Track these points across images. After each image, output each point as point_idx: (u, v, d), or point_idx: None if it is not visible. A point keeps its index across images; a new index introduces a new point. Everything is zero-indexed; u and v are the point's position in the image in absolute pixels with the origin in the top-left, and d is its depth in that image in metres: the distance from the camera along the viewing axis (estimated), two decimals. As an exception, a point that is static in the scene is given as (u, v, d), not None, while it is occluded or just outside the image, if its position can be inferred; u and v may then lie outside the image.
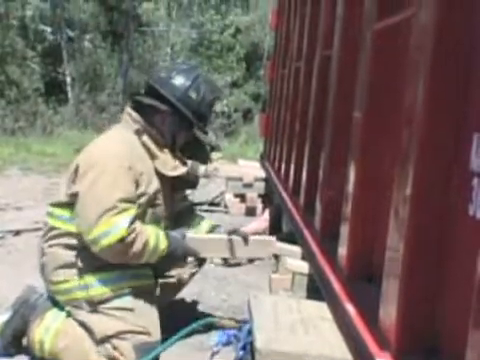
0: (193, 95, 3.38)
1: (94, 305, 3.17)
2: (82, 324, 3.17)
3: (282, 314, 2.53)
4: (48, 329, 3.17)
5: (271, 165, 6.75)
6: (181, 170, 3.41)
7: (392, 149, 2.13)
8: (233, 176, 8.34)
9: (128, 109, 3.41)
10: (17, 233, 5.98)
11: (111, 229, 3.03)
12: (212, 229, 3.66)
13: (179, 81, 3.39)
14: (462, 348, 1.27)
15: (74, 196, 3.15)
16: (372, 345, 1.81)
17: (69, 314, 3.21)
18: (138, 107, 3.39)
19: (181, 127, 3.42)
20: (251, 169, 8.48)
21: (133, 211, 3.08)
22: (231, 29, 22.65)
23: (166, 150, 3.37)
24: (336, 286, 2.41)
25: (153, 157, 3.31)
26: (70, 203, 3.18)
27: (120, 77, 20.68)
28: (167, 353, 2.99)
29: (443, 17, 1.63)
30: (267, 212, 6.71)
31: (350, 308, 2.14)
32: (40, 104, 18.56)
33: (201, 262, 3.63)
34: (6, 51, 19.15)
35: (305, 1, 4.69)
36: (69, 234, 3.18)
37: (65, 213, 3.21)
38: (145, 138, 3.33)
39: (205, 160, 3.82)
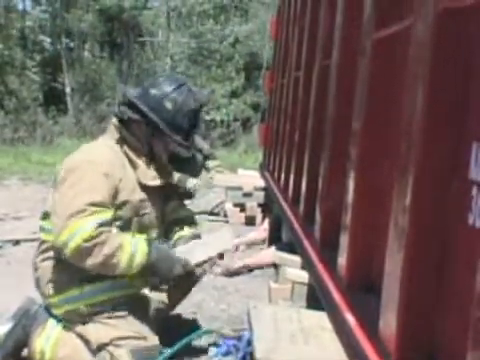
0: (168, 105, 3.36)
1: (88, 315, 3.17)
2: (79, 335, 3.17)
3: (282, 324, 2.52)
4: (49, 338, 3.18)
5: (271, 175, 6.75)
6: (158, 181, 3.38)
7: (391, 158, 2.13)
8: (233, 186, 8.34)
9: (113, 119, 3.42)
10: (16, 243, 5.99)
11: (77, 231, 3.00)
12: (193, 237, 3.62)
13: (156, 91, 3.37)
14: (462, 358, 1.27)
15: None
16: (372, 355, 1.80)
17: (66, 325, 3.21)
18: (121, 117, 3.40)
19: (155, 137, 3.40)
20: (251, 178, 8.49)
21: (105, 214, 3.05)
22: (230, 39, 22.69)
23: (145, 160, 3.36)
24: (336, 296, 2.41)
25: (134, 166, 3.30)
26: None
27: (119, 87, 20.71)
28: (166, 364, 2.99)
29: (441, 27, 1.63)
30: (267, 221, 6.71)
31: (350, 318, 2.13)
32: (39, 114, 18.60)
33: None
34: (5, 61, 19.20)
35: (304, 11, 4.70)
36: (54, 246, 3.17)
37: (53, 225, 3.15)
38: (126, 147, 3.34)
39: (194, 172, 3.83)
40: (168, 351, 3.10)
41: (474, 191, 1.48)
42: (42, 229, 3.28)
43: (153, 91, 3.37)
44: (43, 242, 3.25)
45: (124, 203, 3.17)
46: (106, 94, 20.11)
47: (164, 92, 3.36)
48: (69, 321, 3.19)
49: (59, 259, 3.17)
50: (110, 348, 3.09)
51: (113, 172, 3.16)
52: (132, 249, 3.07)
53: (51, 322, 3.23)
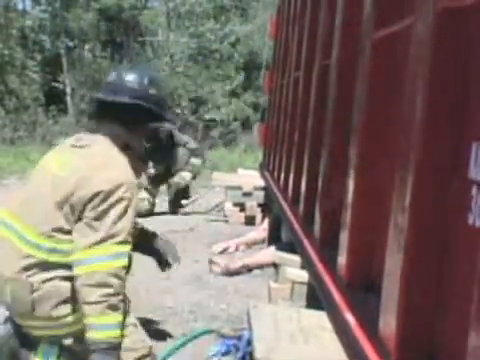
0: (153, 91, 3.32)
1: None
2: (85, 351, 3.09)
3: (282, 324, 2.53)
4: None
5: (270, 174, 6.75)
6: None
7: (391, 158, 2.13)
8: (232, 185, 8.35)
9: (106, 126, 3.25)
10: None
11: (111, 255, 2.96)
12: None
13: (133, 83, 3.29)
14: (462, 358, 1.27)
15: (81, 220, 2.99)
16: (372, 355, 1.80)
17: (61, 350, 3.13)
18: (102, 122, 3.28)
19: (151, 128, 3.38)
20: (250, 178, 8.50)
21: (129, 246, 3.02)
22: (230, 38, 22.69)
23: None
24: (336, 295, 2.41)
25: (137, 172, 3.24)
26: (71, 231, 3.01)
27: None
28: (166, 363, 2.99)
29: (441, 26, 1.63)
30: (266, 221, 6.72)
31: (350, 317, 2.13)
32: (40, 114, 18.60)
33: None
34: (5, 61, 19.20)
35: (304, 11, 4.70)
36: (67, 265, 2.98)
37: (63, 245, 3.00)
38: (130, 153, 3.27)
39: (174, 163, 3.74)
40: (167, 351, 3.10)
41: (474, 191, 1.48)
42: (38, 248, 3.01)
43: (129, 84, 3.28)
44: (43, 262, 3.00)
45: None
46: (106, 94, 20.07)
47: (142, 81, 3.29)
48: (76, 338, 3.11)
49: (67, 278, 2.97)
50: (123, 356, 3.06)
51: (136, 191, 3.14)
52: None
53: (42, 350, 3.16)
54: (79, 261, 2.92)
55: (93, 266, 2.91)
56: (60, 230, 3.01)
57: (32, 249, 3.02)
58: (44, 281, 3.01)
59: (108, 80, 3.44)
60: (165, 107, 3.40)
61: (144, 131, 3.34)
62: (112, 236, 2.95)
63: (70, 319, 3.06)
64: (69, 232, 3.01)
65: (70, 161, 3.15)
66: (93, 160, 3.11)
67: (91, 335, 2.88)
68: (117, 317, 2.94)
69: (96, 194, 2.96)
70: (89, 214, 2.96)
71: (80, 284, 2.91)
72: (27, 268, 3.00)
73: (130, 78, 3.31)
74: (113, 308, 2.90)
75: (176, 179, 8.67)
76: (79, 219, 2.99)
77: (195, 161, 8.76)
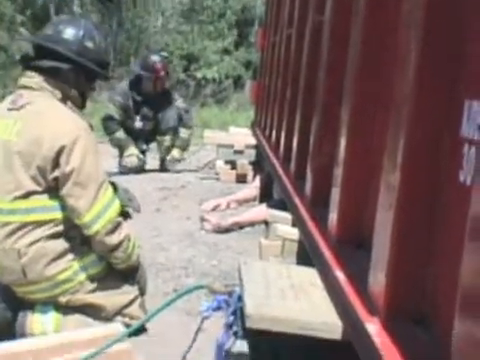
0: (89, 44, 3.28)
1: (95, 283, 3.16)
2: (85, 306, 3.15)
3: (272, 280, 2.54)
4: (44, 323, 3.14)
5: (262, 132, 6.73)
6: None
7: (383, 116, 2.13)
8: (224, 143, 8.34)
9: (40, 77, 3.21)
10: None
11: (109, 203, 3.05)
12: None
13: (70, 34, 3.24)
14: (451, 316, 1.28)
15: (58, 179, 3.02)
16: (361, 311, 1.82)
17: (58, 308, 3.17)
18: (48, 71, 3.22)
19: (87, 81, 3.34)
20: (242, 136, 8.48)
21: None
22: (222, -7, 22.41)
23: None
24: (326, 252, 2.42)
25: None
26: (46, 190, 3.05)
27: (110, 43, 20.49)
28: (157, 319, 3.01)
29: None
30: (258, 179, 6.73)
31: (340, 274, 2.14)
32: (29, 69, 18.41)
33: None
34: (-5, 16, 18.95)
35: (297, -34, 4.63)
36: (50, 222, 3.05)
37: (41, 203, 3.05)
38: (70, 104, 3.24)
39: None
40: (158, 307, 3.12)
41: (465, 149, 1.48)
42: (14, 212, 3.03)
43: (66, 35, 3.24)
44: (24, 225, 3.03)
45: None
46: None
47: (79, 32, 3.25)
48: (72, 295, 3.14)
49: (55, 235, 3.07)
50: (126, 311, 3.14)
51: None
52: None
53: (39, 309, 3.18)
54: (91, 222, 3.02)
55: (104, 219, 3.08)
56: (30, 193, 3.03)
57: (7, 217, 3.04)
58: (30, 244, 3.04)
59: (45, 31, 3.38)
60: (102, 62, 3.36)
61: (79, 84, 3.30)
62: (101, 184, 3.03)
63: (63, 277, 3.10)
64: (40, 192, 3.03)
65: (16, 124, 3.12)
66: (41, 117, 3.10)
67: (124, 267, 3.26)
68: (135, 243, 3.29)
69: (61, 149, 2.99)
70: (65, 169, 2.99)
71: (99, 239, 3.03)
72: (9, 235, 3.04)
73: (67, 30, 3.26)
74: (130, 239, 3.23)
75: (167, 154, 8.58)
76: (55, 179, 3.01)
77: (183, 133, 8.62)
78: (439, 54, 1.62)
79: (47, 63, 3.20)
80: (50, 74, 3.20)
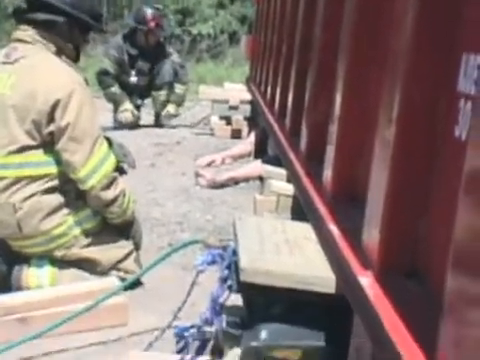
0: None
1: (90, 237, 3.18)
2: (79, 261, 3.17)
3: (267, 235, 2.55)
4: (40, 277, 3.16)
5: (257, 88, 6.70)
6: None
7: (379, 71, 2.11)
8: (219, 99, 8.30)
9: (33, 30, 3.16)
10: None
11: (105, 158, 3.05)
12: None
13: None
14: (443, 270, 1.29)
15: (53, 133, 3.01)
16: (355, 265, 1.83)
17: (53, 262, 3.19)
18: (42, 24, 3.17)
19: (81, 34, 3.32)
20: (237, 92, 8.43)
21: None
22: None
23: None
24: (320, 207, 2.43)
25: None
26: (41, 145, 3.04)
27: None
28: (152, 273, 3.03)
29: None
30: (253, 135, 6.72)
31: (334, 229, 2.16)
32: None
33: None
34: (-15, -33, 18.62)
35: None
36: (45, 176, 3.06)
37: (36, 158, 3.04)
38: (64, 58, 3.22)
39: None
40: (153, 261, 3.14)
41: (461, 103, 1.47)
42: (8, 167, 3.03)
43: None
44: (18, 180, 3.03)
45: None
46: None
47: None
48: (67, 250, 3.16)
49: (50, 189, 3.07)
50: (121, 265, 3.18)
51: None
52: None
53: (34, 263, 3.20)
54: (86, 177, 3.03)
55: (100, 174, 3.08)
56: (25, 148, 3.02)
57: (1, 171, 3.04)
58: (25, 199, 3.05)
59: None
60: (96, 14, 3.33)
61: (73, 37, 3.27)
62: (96, 139, 3.03)
63: (57, 232, 3.12)
64: (35, 147, 3.03)
65: (10, 78, 3.10)
66: (35, 71, 3.08)
67: (119, 222, 3.29)
68: (130, 198, 3.30)
69: (56, 103, 2.98)
70: (60, 124, 2.99)
71: (95, 194, 3.05)
72: (3, 190, 3.04)
73: None
74: (125, 195, 3.24)
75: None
76: (50, 134, 3.01)
77: (178, 89, 8.56)
78: (436, 8, 1.61)
79: (41, 16, 3.15)
80: (44, 27, 3.16)
